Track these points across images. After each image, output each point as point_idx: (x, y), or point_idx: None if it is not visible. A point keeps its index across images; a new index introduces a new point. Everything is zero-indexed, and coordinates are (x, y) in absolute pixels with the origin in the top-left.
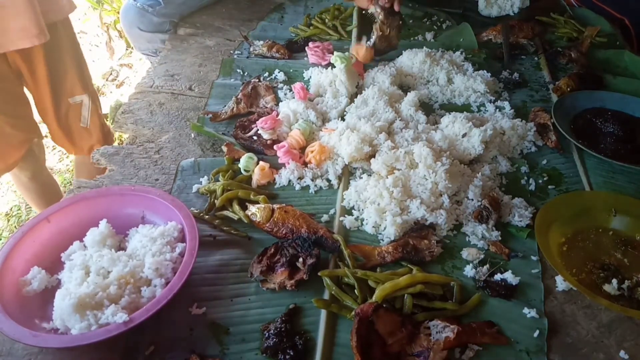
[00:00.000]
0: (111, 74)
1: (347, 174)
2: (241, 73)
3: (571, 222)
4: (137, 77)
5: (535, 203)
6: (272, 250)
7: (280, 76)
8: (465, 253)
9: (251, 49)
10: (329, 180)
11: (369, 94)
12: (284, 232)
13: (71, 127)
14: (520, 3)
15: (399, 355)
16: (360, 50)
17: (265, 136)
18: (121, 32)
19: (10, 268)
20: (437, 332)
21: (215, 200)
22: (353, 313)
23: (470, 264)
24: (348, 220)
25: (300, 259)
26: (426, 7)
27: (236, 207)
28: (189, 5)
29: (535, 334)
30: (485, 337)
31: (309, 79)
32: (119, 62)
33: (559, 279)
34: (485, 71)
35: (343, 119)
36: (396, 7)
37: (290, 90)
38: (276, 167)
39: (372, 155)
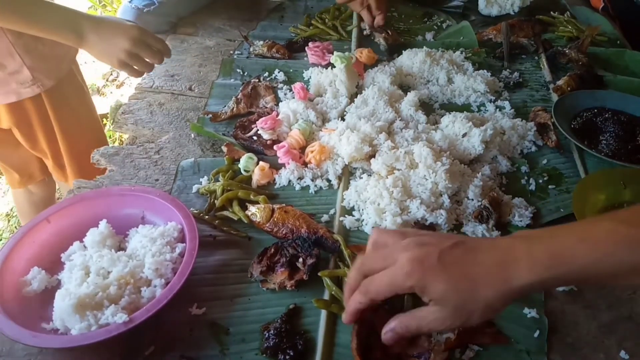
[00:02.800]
0: (111, 74)
1: (347, 174)
2: (241, 73)
3: (591, 208)
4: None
5: (536, 203)
6: (272, 250)
7: (280, 76)
8: None
9: (251, 49)
10: (329, 180)
11: (369, 93)
12: (284, 232)
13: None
14: (520, 2)
15: (400, 357)
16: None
17: (265, 136)
18: None
19: (10, 268)
20: (437, 333)
21: (215, 201)
22: None
23: None
24: (348, 221)
25: (300, 259)
26: (426, 6)
27: (236, 207)
28: (185, 5)
29: (536, 334)
30: (485, 337)
31: (308, 79)
32: None
33: None
34: (485, 71)
35: (343, 119)
36: (381, 22)
37: (290, 90)
38: (276, 167)
39: (372, 155)
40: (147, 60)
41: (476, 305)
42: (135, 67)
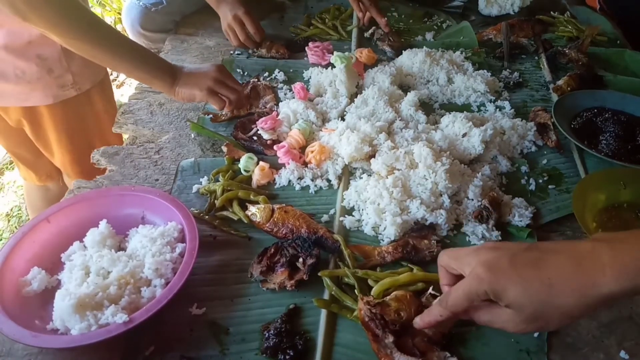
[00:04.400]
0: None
1: (347, 174)
2: (241, 73)
3: (591, 208)
4: None
5: (536, 203)
6: (272, 250)
7: (280, 76)
8: None
9: (251, 49)
10: (329, 180)
11: (369, 93)
12: (284, 232)
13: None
14: (520, 2)
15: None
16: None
17: (265, 136)
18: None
19: (10, 268)
20: None
21: (215, 201)
22: (355, 313)
23: None
24: (348, 220)
25: (300, 259)
26: (426, 6)
27: (236, 207)
28: (190, 4)
29: (536, 334)
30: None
31: (308, 79)
32: None
33: None
34: (485, 70)
35: (343, 119)
36: (385, 30)
37: (290, 90)
38: (276, 167)
39: (372, 155)
40: (232, 85)
41: (553, 312)
42: (221, 94)
